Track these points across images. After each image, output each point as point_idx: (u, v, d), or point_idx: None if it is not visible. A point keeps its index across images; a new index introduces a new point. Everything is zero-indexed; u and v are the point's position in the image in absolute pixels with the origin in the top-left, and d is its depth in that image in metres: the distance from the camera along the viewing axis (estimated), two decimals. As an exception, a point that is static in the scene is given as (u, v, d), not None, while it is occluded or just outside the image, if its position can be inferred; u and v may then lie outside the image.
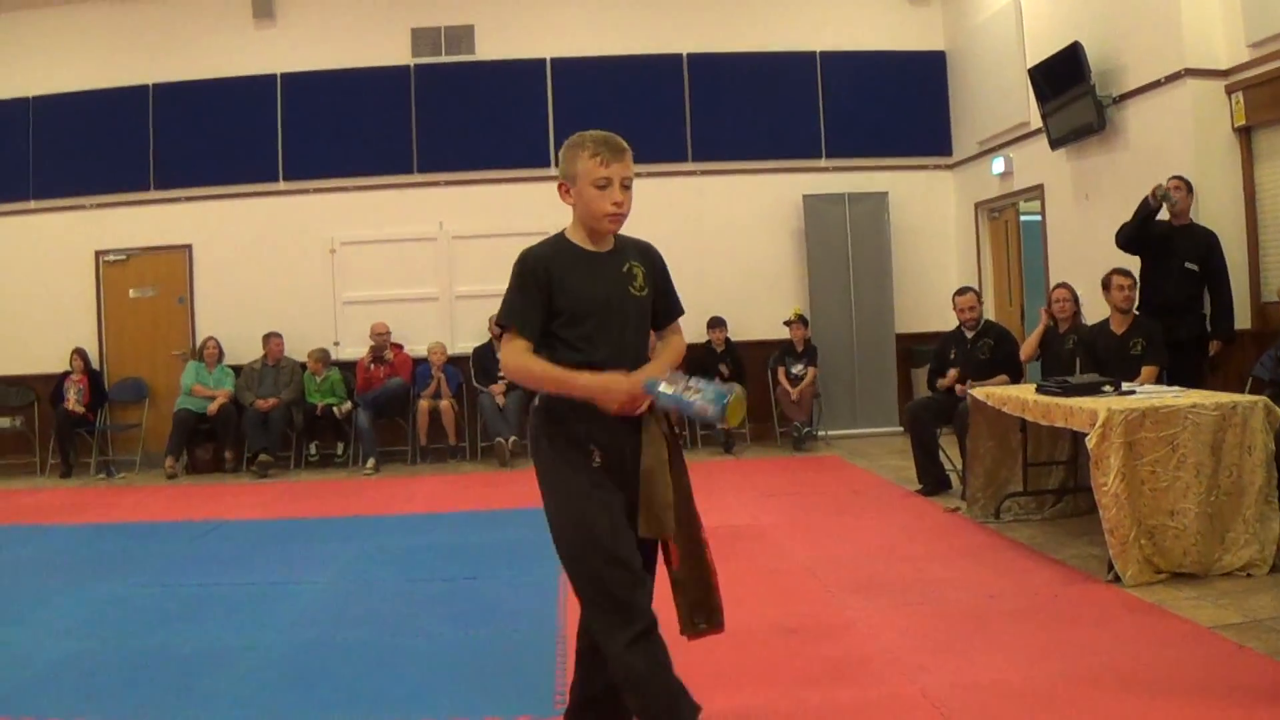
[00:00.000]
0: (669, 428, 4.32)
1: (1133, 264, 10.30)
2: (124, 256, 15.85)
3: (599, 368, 4.10)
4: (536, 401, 4.32)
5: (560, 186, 4.31)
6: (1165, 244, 10.10)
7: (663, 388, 4.08)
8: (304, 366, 15.14)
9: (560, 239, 4.33)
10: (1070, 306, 10.71)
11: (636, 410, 4.12)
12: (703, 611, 4.46)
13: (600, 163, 4.15)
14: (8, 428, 15.43)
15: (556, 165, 14.17)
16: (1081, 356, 9.96)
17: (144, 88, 15.84)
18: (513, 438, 14.17)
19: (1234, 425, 6.99)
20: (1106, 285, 9.98)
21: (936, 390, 11.28)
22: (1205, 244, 10.00)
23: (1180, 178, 10.03)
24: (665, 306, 4.50)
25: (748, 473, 12.76)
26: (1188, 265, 9.97)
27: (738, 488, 11.62)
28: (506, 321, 4.19)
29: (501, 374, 14.65)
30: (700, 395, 4.05)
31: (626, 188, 4.21)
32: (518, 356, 4.17)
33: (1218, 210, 10.40)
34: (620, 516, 4.16)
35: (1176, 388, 8.26)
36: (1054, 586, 7.05)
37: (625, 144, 4.24)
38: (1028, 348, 10.89)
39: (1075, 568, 7.46)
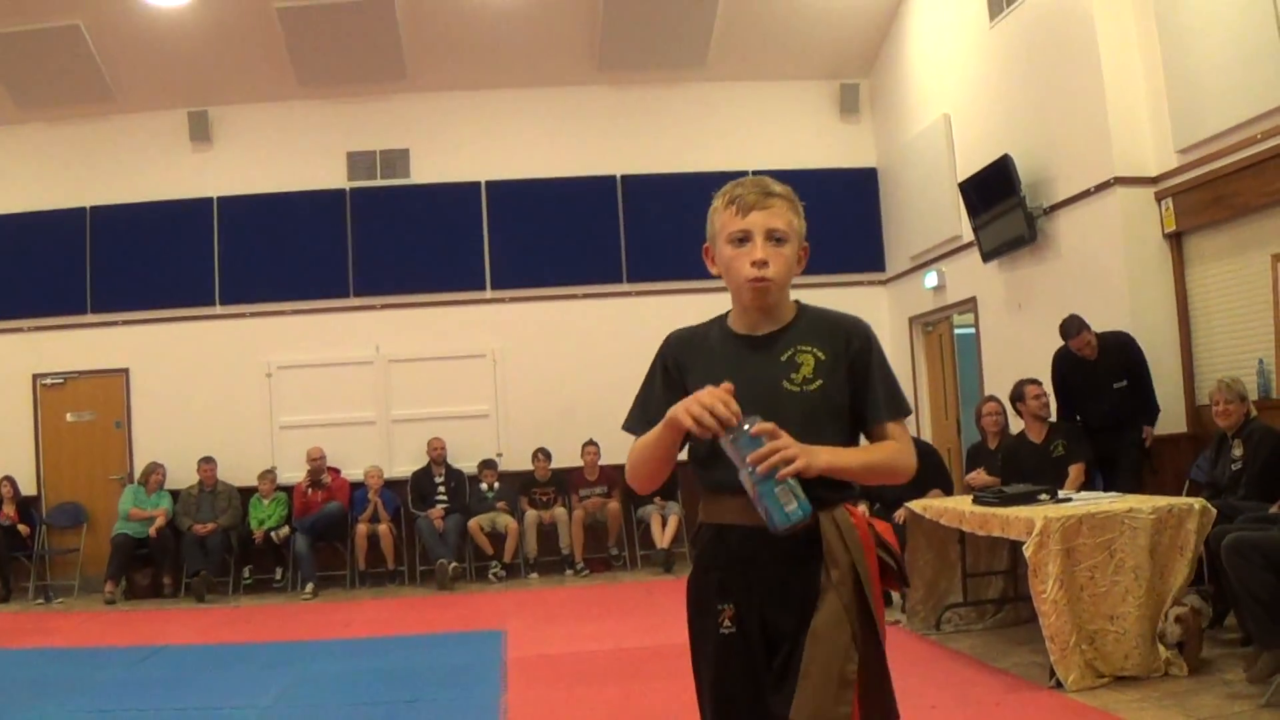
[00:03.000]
0: (854, 571, 3.11)
1: (1044, 373, 10.52)
2: (61, 380, 15.74)
3: (735, 491, 3.04)
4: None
5: (705, 252, 3.40)
6: (1089, 378, 10.27)
7: (746, 431, 2.95)
8: (241, 491, 15.01)
9: (717, 318, 3.41)
10: (1000, 420, 10.84)
11: (705, 430, 2.98)
12: None
13: (736, 211, 3.22)
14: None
15: (492, 289, 14.09)
16: (1005, 470, 10.06)
17: (81, 210, 15.81)
18: (453, 563, 14.10)
19: (1170, 527, 7.07)
20: (1020, 397, 10.16)
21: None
22: (1122, 355, 10.18)
23: (1079, 319, 10.24)
24: (866, 400, 3.25)
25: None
26: (1115, 386, 10.12)
27: (679, 607, 11.49)
28: (626, 423, 3.38)
29: (439, 498, 14.66)
30: (786, 487, 2.92)
31: (778, 241, 3.22)
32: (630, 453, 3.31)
33: (1150, 316, 10.52)
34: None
35: (1113, 493, 8.33)
36: (996, 695, 7.06)
37: (778, 188, 3.28)
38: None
39: (1018, 675, 7.47)
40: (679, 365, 3.31)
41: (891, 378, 3.31)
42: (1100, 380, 10.14)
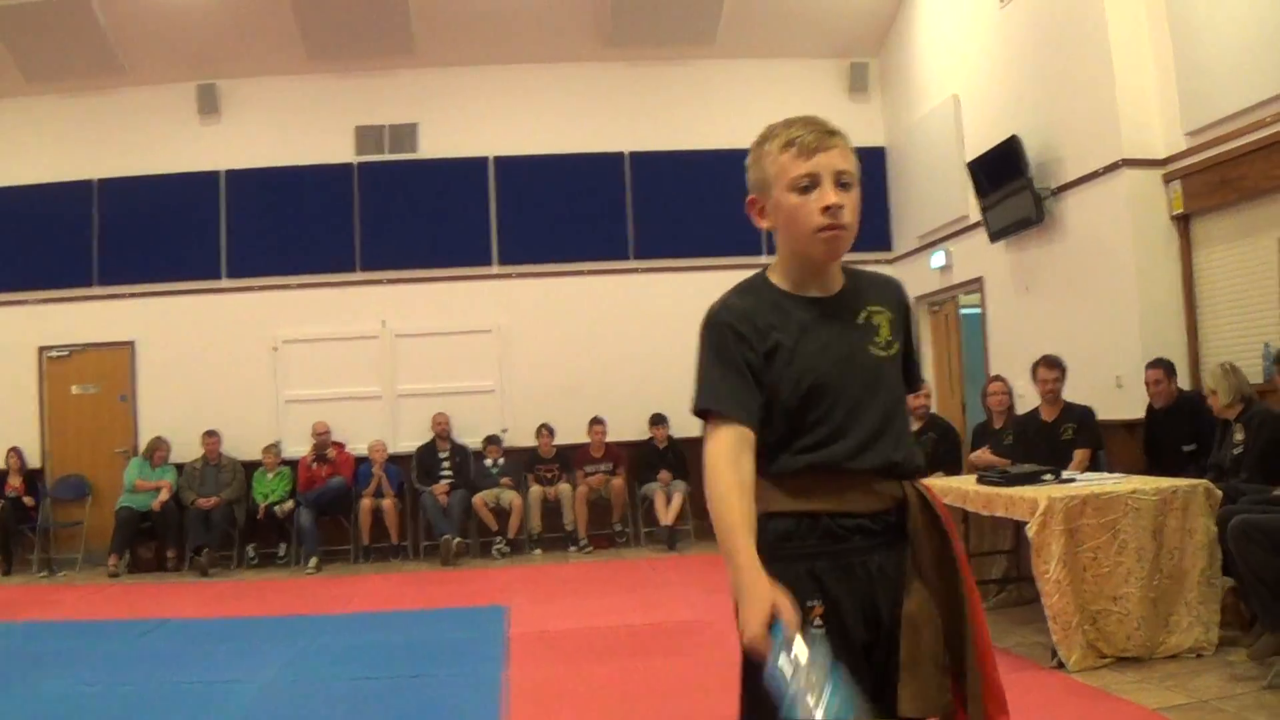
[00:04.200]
0: (942, 542, 2.95)
1: (1087, 348, 10.45)
2: (67, 353, 15.74)
3: (849, 482, 2.88)
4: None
5: (749, 204, 3.10)
6: (1158, 430, 9.92)
7: (781, 659, 2.51)
8: (246, 465, 15.06)
9: (760, 282, 3.04)
10: (1006, 400, 10.81)
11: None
12: None
13: (799, 153, 2.89)
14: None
15: (499, 264, 13.98)
16: (1015, 446, 10.04)
17: (88, 183, 15.81)
18: (457, 539, 14.11)
19: (1175, 509, 7.07)
20: (1034, 375, 10.10)
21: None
22: (1189, 417, 9.61)
23: (1165, 361, 9.89)
24: (909, 367, 3.12)
25: (692, 568, 12.71)
26: (1184, 449, 9.60)
27: (682, 584, 11.60)
28: (707, 404, 2.89)
29: (444, 474, 14.65)
30: (817, 698, 2.43)
31: (846, 186, 2.94)
32: (715, 453, 2.83)
33: (1157, 299, 10.52)
34: None
35: (1118, 474, 8.32)
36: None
37: (836, 126, 2.99)
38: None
39: (1020, 655, 7.48)
40: (760, 334, 2.89)
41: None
42: (1170, 438, 9.81)
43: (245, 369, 15.71)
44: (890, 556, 2.87)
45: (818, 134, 2.90)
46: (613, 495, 14.87)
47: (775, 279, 3.01)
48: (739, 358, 2.87)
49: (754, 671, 2.65)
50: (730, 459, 2.81)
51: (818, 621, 2.76)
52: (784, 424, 2.89)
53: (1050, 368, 10.08)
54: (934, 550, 2.89)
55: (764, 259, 15.92)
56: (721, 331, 2.90)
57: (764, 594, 2.61)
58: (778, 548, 2.83)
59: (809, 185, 2.87)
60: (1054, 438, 9.82)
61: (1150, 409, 10.01)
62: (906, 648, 2.78)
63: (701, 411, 2.89)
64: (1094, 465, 9.53)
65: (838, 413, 2.86)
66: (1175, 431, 9.65)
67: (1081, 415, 9.95)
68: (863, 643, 2.83)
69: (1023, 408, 10.97)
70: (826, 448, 2.85)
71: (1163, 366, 9.76)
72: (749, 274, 3.06)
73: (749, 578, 2.65)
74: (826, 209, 2.85)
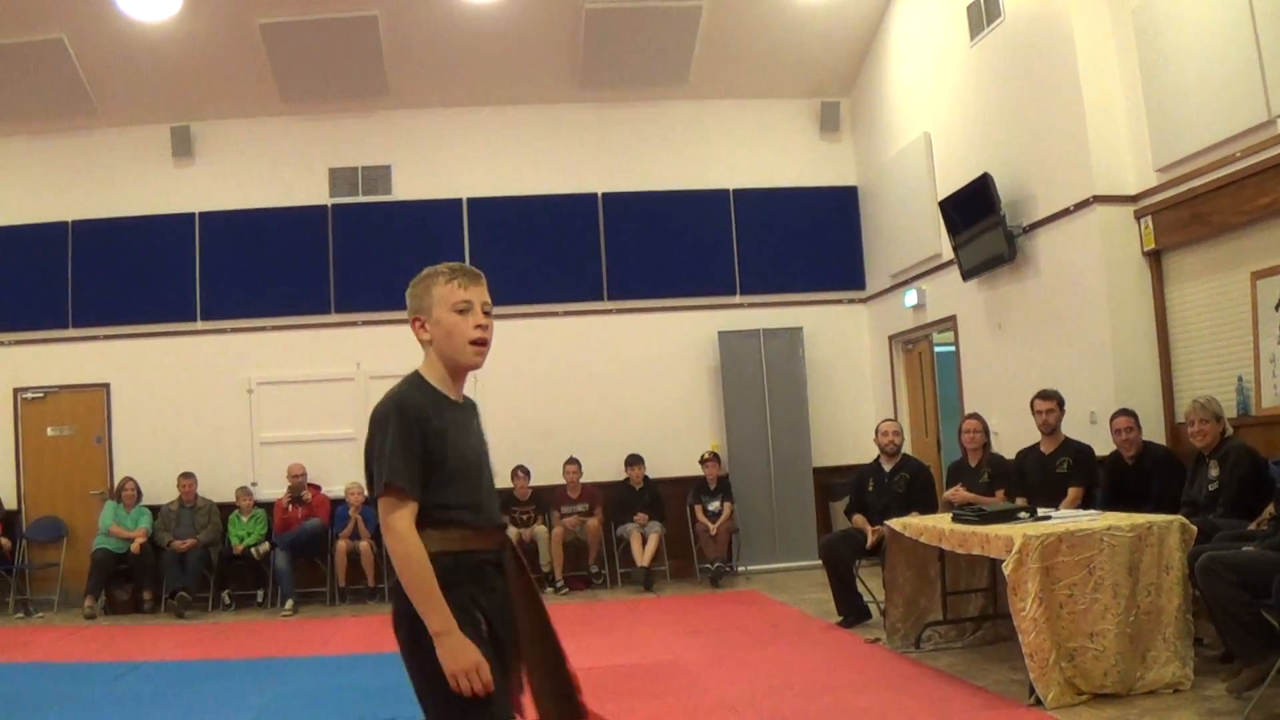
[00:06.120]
0: (521, 570, 4.01)
1: (1060, 384, 10.39)
2: (42, 394, 15.68)
3: (482, 531, 3.86)
4: None
5: (413, 322, 4.03)
6: (1128, 483, 9.54)
7: None
8: (222, 507, 14.98)
9: (422, 383, 3.93)
10: (981, 437, 10.79)
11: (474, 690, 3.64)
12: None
13: (459, 285, 3.89)
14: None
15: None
16: (1008, 486, 10.05)
17: (63, 224, 15.77)
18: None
19: (1150, 545, 7.09)
20: (1032, 406, 10.10)
21: (853, 524, 11.26)
22: (1160, 474, 9.40)
23: (1130, 413, 9.67)
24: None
25: (668, 609, 12.70)
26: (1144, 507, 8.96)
27: (658, 625, 11.57)
28: (397, 481, 3.67)
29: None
30: None
31: (488, 314, 3.93)
32: (405, 527, 3.67)
33: (1129, 335, 10.56)
34: (507, 710, 3.86)
35: (1092, 511, 8.33)
36: (975, 712, 7.06)
37: (478, 271, 4.00)
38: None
39: (997, 693, 7.47)
40: (429, 424, 3.77)
41: None
42: (1139, 491, 9.34)
43: (220, 411, 15.66)
44: (506, 588, 3.93)
45: (473, 274, 3.96)
46: (589, 536, 14.86)
47: (430, 379, 3.96)
48: (416, 443, 3.72)
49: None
50: (415, 531, 3.70)
51: (485, 629, 3.76)
52: (439, 488, 3.76)
53: (1045, 399, 10.07)
54: (519, 582, 3.99)
55: (736, 299, 16.09)
56: (405, 419, 3.75)
57: (474, 652, 3.64)
58: (446, 577, 3.68)
59: (465, 309, 3.88)
60: (1049, 470, 9.84)
61: (1117, 460, 9.81)
62: (528, 653, 3.98)
63: (390, 485, 3.67)
64: (1089, 503, 9.47)
65: (471, 484, 3.86)
66: (1144, 484, 9.45)
67: (1079, 451, 9.93)
68: (505, 644, 3.90)
69: (998, 445, 11.00)
70: (468, 507, 3.83)
71: (1132, 415, 9.65)
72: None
73: (459, 640, 3.64)
74: (478, 327, 3.88)
